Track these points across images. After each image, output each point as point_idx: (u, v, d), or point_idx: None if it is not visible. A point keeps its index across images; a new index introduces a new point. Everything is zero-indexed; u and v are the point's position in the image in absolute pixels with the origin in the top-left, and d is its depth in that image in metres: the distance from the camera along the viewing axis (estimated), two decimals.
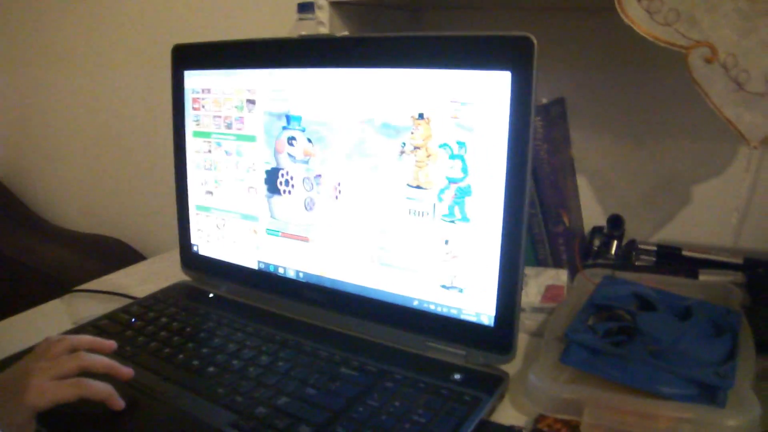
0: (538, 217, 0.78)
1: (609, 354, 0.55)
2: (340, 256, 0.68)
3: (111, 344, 0.57)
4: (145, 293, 0.78)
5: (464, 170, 0.58)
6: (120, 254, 1.41)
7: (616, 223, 0.83)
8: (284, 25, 0.80)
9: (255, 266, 0.76)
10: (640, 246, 0.83)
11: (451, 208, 0.59)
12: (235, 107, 0.73)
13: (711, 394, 0.49)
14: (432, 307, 0.62)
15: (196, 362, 0.60)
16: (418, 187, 0.61)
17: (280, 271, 0.73)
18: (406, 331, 0.63)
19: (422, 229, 0.61)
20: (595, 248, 0.83)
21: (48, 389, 0.48)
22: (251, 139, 0.73)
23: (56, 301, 0.80)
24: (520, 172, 0.54)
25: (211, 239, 0.79)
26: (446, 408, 0.52)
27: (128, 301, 0.77)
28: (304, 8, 0.78)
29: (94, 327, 0.69)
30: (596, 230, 0.85)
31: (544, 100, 0.79)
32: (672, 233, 0.89)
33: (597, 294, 0.66)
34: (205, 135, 0.77)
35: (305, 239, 0.70)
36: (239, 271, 0.77)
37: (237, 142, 0.74)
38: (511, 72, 0.53)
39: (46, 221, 1.59)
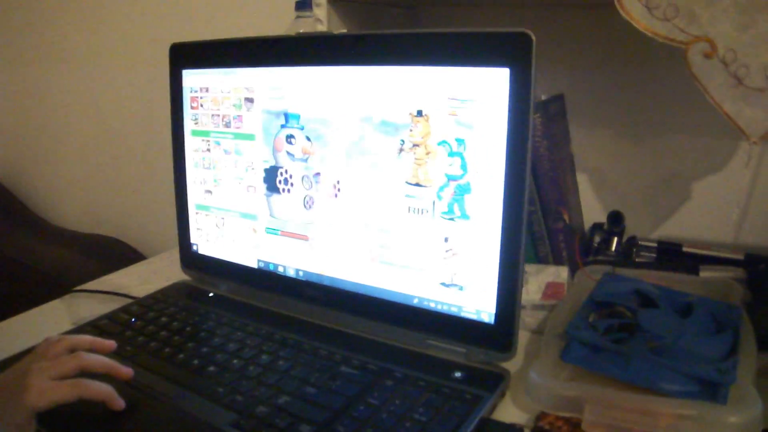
0: (537, 214, 0.78)
1: (610, 351, 0.55)
2: (339, 254, 0.67)
3: (111, 344, 0.57)
4: (144, 293, 0.78)
5: (463, 167, 0.57)
6: (120, 254, 1.41)
7: (616, 219, 0.83)
8: (282, 23, 0.80)
9: (255, 265, 0.75)
10: (640, 242, 0.83)
11: (450, 206, 0.59)
12: (234, 106, 0.73)
13: (712, 390, 0.49)
14: (432, 305, 0.62)
15: (196, 362, 0.60)
16: (417, 184, 0.60)
17: (280, 269, 0.73)
18: (406, 329, 0.63)
19: (422, 226, 0.61)
20: (596, 245, 0.83)
21: (48, 389, 0.48)
22: (250, 137, 0.72)
23: (56, 302, 0.80)
24: (520, 169, 0.54)
25: (211, 238, 0.79)
26: (447, 406, 0.52)
27: (128, 301, 0.77)
28: (302, 6, 0.78)
29: (94, 327, 0.69)
30: (596, 227, 0.85)
31: (544, 97, 0.79)
32: (672, 229, 0.88)
33: (598, 291, 0.66)
34: (203, 134, 0.77)
35: (305, 238, 0.70)
36: (239, 270, 0.77)
37: (236, 141, 0.74)
38: (510, 69, 0.53)
39: (46, 221, 1.59)
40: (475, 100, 0.56)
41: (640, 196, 0.90)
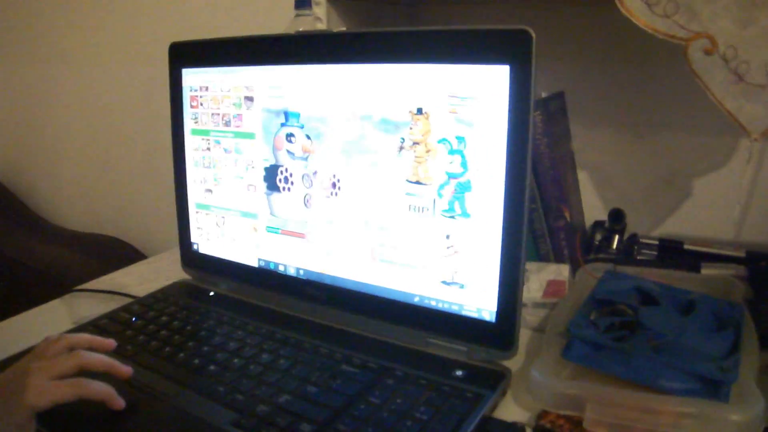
0: (538, 212, 0.78)
1: (611, 349, 0.54)
2: (340, 252, 0.67)
3: (110, 343, 0.57)
4: (145, 292, 0.78)
5: (464, 165, 0.57)
6: (120, 253, 1.41)
7: (617, 217, 0.83)
8: (281, 21, 0.79)
9: (255, 264, 0.75)
10: (641, 240, 0.82)
11: (451, 204, 0.59)
12: (234, 104, 0.73)
13: (714, 388, 0.49)
14: (433, 304, 0.62)
15: (196, 361, 0.60)
16: (417, 182, 0.60)
17: (281, 268, 0.73)
18: (407, 327, 0.63)
19: (422, 225, 0.61)
20: (597, 243, 0.83)
21: (47, 389, 0.48)
22: (250, 136, 0.72)
23: (56, 301, 0.80)
24: (520, 167, 0.54)
25: (211, 237, 0.79)
26: (448, 405, 0.52)
27: (128, 300, 0.77)
28: (301, 4, 0.78)
29: (95, 326, 0.68)
30: (597, 225, 0.85)
31: (544, 94, 0.79)
32: (674, 227, 0.88)
33: (599, 289, 0.66)
34: (203, 133, 0.77)
35: (305, 236, 0.70)
36: (239, 269, 0.76)
37: (236, 140, 0.74)
38: (510, 66, 0.53)
39: (46, 221, 1.59)
40: (475, 98, 0.56)
41: (641, 193, 0.90)
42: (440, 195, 0.59)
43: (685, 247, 0.80)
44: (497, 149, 0.55)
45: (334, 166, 0.66)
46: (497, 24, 0.53)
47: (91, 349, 0.54)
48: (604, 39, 0.86)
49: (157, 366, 0.60)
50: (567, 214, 0.79)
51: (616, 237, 0.83)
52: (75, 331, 0.68)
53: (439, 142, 0.58)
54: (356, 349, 0.61)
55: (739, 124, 0.59)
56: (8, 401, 0.47)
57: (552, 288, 0.72)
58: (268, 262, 0.74)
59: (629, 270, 0.72)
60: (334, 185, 0.66)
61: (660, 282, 0.67)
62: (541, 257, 0.80)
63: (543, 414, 0.52)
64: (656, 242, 0.82)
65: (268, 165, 0.71)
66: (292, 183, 0.70)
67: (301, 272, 0.71)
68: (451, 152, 0.58)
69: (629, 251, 0.82)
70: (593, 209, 0.90)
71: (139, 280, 0.86)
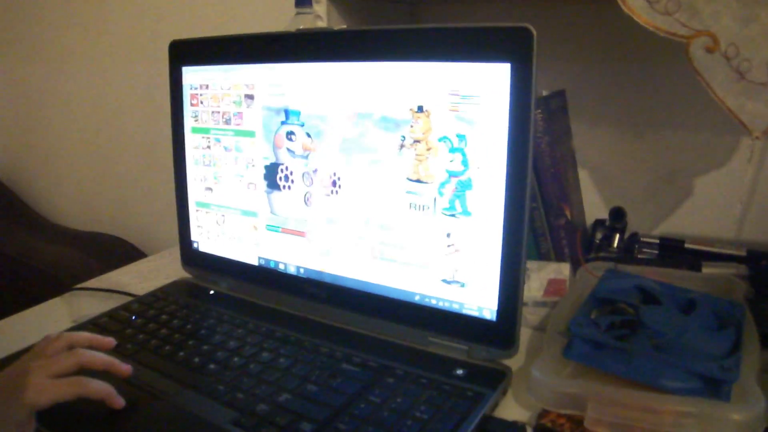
0: (539, 211, 0.77)
1: (612, 348, 0.54)
2: (340, 251, 0.67)
3: (110, 341, 0.57)
4: (145, 291, 0.78)
5: (465, 163, 0.57)
6: (120, 252, 1.41)
7: (618, 215, 0.82)
8: (282, 19, 0.79)
9: (255, 262, 0.75)
10: (642, 239, 0.82)
11: (452, 202, 0.59)
12: (234, 102, 0.73)
13: (715, 387, 0.49)
14: (433, 302, 0.62)
15: (196, 359, 0.60)
16: (418, 180, 0.60)
17: (281, 267, 0.73)
18: (407, 326, 0.63)
19: (423, 223, 0.61)
20: (598, 241, 0.82)
21: (47, 388, 0.48)
22: (250, 134, 0.72)
23: (56, 300, 0.80)
24: (521, 165, 0.54)
25: (211, 236, 0.79)
26: (448, 404, 0.52)
27: (128, 298, 0.77)
28: (302, 2, 0.78)
29: (95, 325, 0.68)
30: (598, 223, 0.85)
31: (545, 93, 0.79)
32: (675, 226, 0.88)
33: (600, 287, 0.65)
34: (203, 131, 0.77)
35: (305, 235, 0.70)
36: (239, 268, 0.76)
37: (236, 138, 0.74)
38: (511, 64, 0.53)
39: (46, 219, 1.59)
40: (476, 96, 0.55)
41: (642, 192, 0.89)
42: (441, 193, 0.59)
43: (686, 245, 0.80)
44: (498, 147, 0.55)
45: (334, 165, 0.66)
46: (498, 22, 0.53)
47: (91, 347, 0.54)
48: (605, 37, 0.85)
49: (157, 365, 0.59)
50: (568, 213, 0.79)
51: (617, 236, 0.82)
52: (75, 329, 0.68)
53: (440, 140, 0.58)
54: (356, 347, 0.61)
55: (740, 122, 0.59)
56: (8, 400, 0.47)
57: (553, 287, 0.72)
58: (268, 261, 0.74)
59: (630, 269, 0.72)
60: (334, 183, 0.66)
61: (661, 281, 0.67)
62: (541, 256, 0.80)
63: (544, 413, 0.52)
64: (657, 241, 0.82)
65: (268, 163, 0.71)
66: (292, 181, 0.69)
67: (302, 271, 0.71)
68: (452, 150, 0.58)
69: (630, 250, 0.82)
70: (594, 208, 0.90)
71: (139, 278, 0.86)
